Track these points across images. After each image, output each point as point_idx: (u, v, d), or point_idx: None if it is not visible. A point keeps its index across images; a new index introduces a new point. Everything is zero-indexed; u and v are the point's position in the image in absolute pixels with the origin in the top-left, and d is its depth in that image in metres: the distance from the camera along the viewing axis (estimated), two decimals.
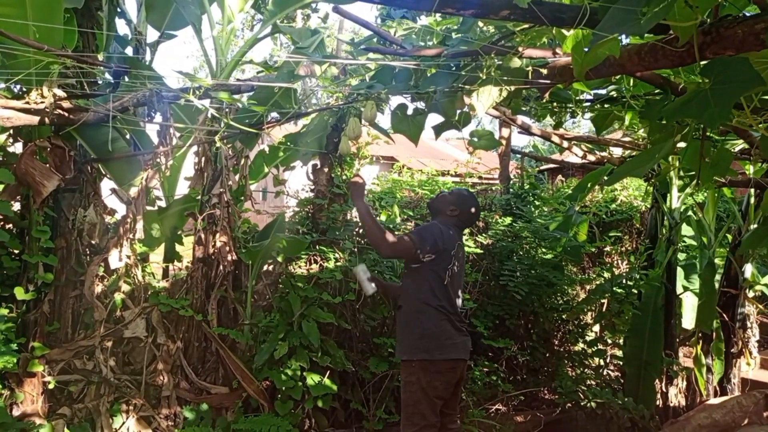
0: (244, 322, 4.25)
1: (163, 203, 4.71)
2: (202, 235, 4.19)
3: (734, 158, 3.65)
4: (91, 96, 3.49)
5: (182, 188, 4.81)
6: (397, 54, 2.60)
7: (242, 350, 4.21)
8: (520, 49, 2.30)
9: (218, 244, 4.19)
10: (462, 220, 3.27)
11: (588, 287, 6.00)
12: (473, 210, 3.32)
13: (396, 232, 3.19)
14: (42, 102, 3.20)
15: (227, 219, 4.23)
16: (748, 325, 5.09)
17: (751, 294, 5.14)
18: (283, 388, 3.80)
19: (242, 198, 4.51)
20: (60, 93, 3.24)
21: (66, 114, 3.33)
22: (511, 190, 6.59)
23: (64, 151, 3.72)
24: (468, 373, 4.73)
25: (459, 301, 3.23)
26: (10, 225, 3.80)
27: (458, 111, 2.68)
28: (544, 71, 2.41)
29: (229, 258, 4.21)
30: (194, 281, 4.20)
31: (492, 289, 5.34)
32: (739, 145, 3.76)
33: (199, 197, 4.25)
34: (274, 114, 3.95)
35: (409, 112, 2.84)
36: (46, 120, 3.30)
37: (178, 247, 4.62)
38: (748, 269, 4.96)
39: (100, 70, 3.73)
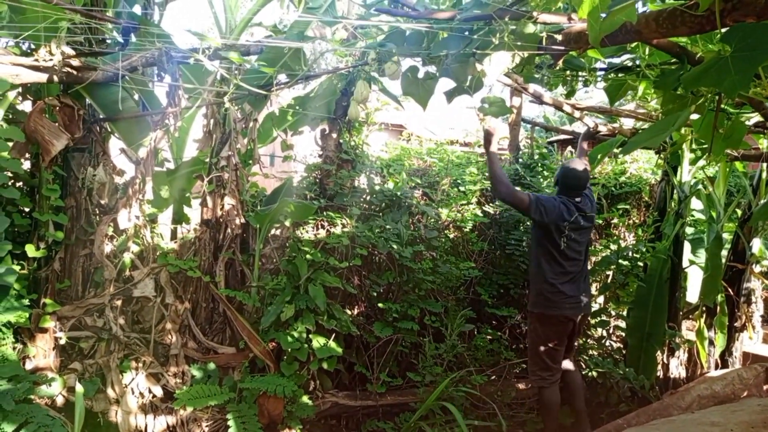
0: (252, 285, 4.30)
1: (171, 165, 4.72)
2: (210, 198, 4.21)
3: (748, 131, 3.59)
4: (99, 54, 3.46)
5: (191, 150, 4.82)
6: (409, 16, 2.55)
7: (249, 312, 4.27)
8: (535, 13, 2.25)
9: (226, 206, 4.21)
10: (567, 193, 3.80)
11: (594, 259, 6.00)
12: (572, 179, 3.80)
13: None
14: (50, 59, 3.18)
15: (235, 182, 4.24)
16: (753, 300, 5.07)
17: (757, 269, 5.11)
18: (289, 349, 3.87)
19: (250, 161, 4.50)
20: (69, 50, 3.21)
21: (75, 72, 3.31)
22: (520, 159, 6.55)
23: (73, 110, 3.72)
24: (472, 342, 4.79)
25: (585, 264, 3.91)
26: (21, 183, 3.82)
27: (469, 76, 2.64)
28: (559, 37, 2.36)
29: (237, 221, 4.24)
30: (202, 243, 4.24)
31: (498, 258, 5.36)
32: (754, 118, 3.69)
33: (208, 159, 4.25)
34: (283, 76, 3.92)
35: (420, 75, 2.80)
36: (55, 78, 3.29)
37: (186, 209, 4.65)
38: (756, 244, 4.91)
39: (109, 28, 3.69)
